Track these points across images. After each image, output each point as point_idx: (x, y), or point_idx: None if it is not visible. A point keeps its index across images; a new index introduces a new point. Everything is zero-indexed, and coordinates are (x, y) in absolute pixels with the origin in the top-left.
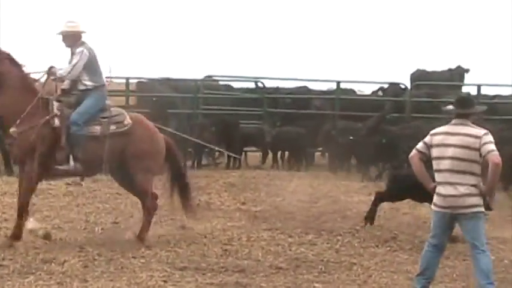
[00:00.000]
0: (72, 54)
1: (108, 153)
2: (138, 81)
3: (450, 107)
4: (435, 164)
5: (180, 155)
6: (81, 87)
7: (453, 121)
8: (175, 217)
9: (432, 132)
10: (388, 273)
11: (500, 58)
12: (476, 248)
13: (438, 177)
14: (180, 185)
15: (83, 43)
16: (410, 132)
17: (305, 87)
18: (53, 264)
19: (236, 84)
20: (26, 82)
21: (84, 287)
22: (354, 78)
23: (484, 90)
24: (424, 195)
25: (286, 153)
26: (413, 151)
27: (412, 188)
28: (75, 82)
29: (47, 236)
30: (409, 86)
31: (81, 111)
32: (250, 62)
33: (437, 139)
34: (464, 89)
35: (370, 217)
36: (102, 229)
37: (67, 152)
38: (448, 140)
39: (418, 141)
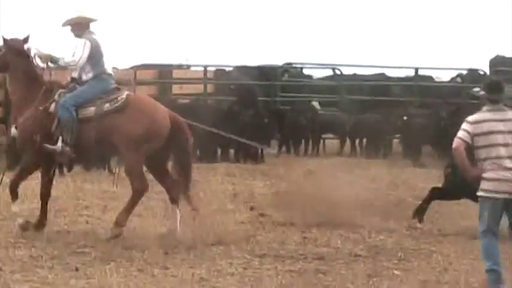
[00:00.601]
0: (75, 44)
1: (99, 134)
2: (216, 69)
3: (481, 92)
4: (484, 153)
5: (191, 139)
6: (84, 78)
7: (488, 107)
8: (254, 205)
9: (472, 120)
10: (469, 260)
11: None
12: None
13: (490, 164)
14: (181, 170)
15: (89, 32)
16: None
17: (383, 74)
18: (133, 251)
19: (314, 72)
20: (33, 73)
21: (165, 274)
22: (432, 64)
23: None
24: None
25: (364, 140)
26: (458, 141)
27: (470, 186)
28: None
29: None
30: (488, 72)
31: (73, 95)
32: (328, 49)
33: (483, 127)
34: None
35: (419, 214)
36: (181, 217)
37: (57, 135)
38: (497, 127)
39: None
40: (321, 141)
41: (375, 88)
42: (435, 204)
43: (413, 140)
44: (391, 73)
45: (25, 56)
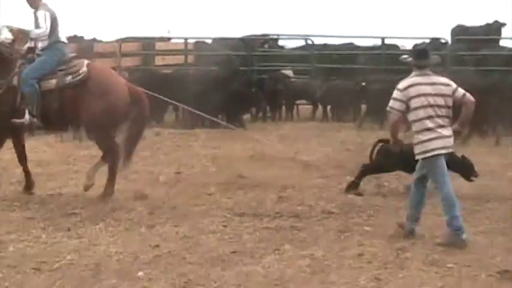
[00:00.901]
0: (36, 17)
1: (62, 105)
2: (196, 41)
3: (409, 58)
4: (414, 115)
5: (147, 109)
6: (40, 46)
7: (416, 72)
8: (232, 165)
9: (402, 87)
10: (432, 215)
11: None
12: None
13: (421, 124)
14: (131, 139)
15: (44, 4)
16: None
17: (351, 43)
18: (121, 212)
19: (288, 42)
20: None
21: (150, 232)
22: (397, 34)
23: None
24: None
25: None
26: (395, 112)
27: (402, 160)
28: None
29: None
30: (449, 41)
31: (33, 67)
32: (301, 20)
33: (413, 91)
34: (502, 43)
35: (352, 189)
36: (166, 179)
37: (22, 107)
38: (426, 90)
39: None
40: (295, 107)
41: (344, 57)
42: None
43: (374, 105)
44: (359, 42)
45: None
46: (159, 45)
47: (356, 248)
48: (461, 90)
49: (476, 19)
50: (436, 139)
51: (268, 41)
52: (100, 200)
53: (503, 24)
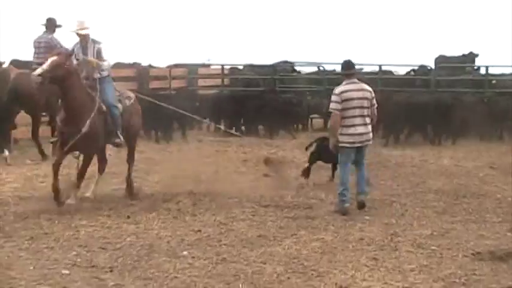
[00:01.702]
0: (99, 49)
1: (125, 125)
2: (231, 67)
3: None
4: (345, 113)
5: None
6: (97, 76)
7: (346, 81)
8: (260, 168)
9: (338, 92)
10: (419, 208)
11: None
12: (363, 164)
13: (348, 121)
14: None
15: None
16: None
17: None
18: (170, 203)
19: (303, 68)
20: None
21: (193, 220)
22: (391, 62)
23: (491, 70)
24: (330, 158)
25: None
26: (336, 112)
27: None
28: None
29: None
30: (433, 68)
31: (111, 95)
32: (314, 50)
33: (346, 95)
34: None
35: (306, 173)
36: (206, 177)
37: (114, 129)
38: (353, 94)
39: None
40: (309, 120)
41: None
42: (396, 165)
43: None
44: (361, 69)
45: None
46: (201, 70)
47: (358, 233)
48: (374, 100)
49: (455, 50)
50: (354, 135)
51: (293, 67)
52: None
53: (477, 55)
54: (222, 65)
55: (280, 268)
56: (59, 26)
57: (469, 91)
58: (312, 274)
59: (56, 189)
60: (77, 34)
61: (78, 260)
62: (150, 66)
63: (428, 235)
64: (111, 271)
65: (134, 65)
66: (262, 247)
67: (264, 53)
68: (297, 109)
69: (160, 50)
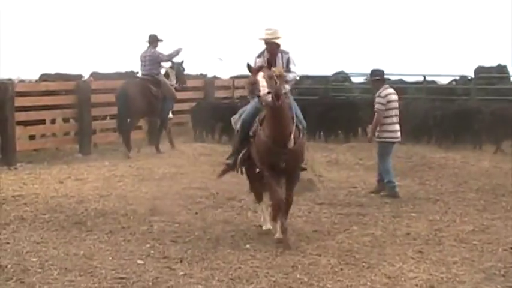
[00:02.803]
0: (274, 57)
1: None
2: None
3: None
4: (388, 113)
5: None
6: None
7: (385, 85)
8: (314, 168)
9: (383, 95)
10: (462, 206)
11: None
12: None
13: (394, 119)
14: None
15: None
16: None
17: (401, 79)
18: (234, 201)
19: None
20: None
21: (255, 216)
22: (435, 72)
23: None
24: None
25: None
26: (378, 113)
27: None
28: None
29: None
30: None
31: (299, 111)
32: (363, 61)
33: (389, 98)
34: None
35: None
36: None
37: None
38: (393, 97)
39: None
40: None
41: (396, 89)
42: (439, 167)
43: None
44: (407, 79)
45: None
46: None
47: (405, 229)
48: None
49: (491, 61)
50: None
51: (347, 79)
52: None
53: (504, 66)
54: None
55: (334, 260)
56: (161, 40)
57: (506, 99)
58: (363, 266)
59: (283, 229)
60: (266, 43)
61: (152, 251)
62: (215, 77)
63: (470, 231)
64: (181, 262)
65: (200, 76)
66: (317, 241)
67: (321, 64)
68: (353, 115)
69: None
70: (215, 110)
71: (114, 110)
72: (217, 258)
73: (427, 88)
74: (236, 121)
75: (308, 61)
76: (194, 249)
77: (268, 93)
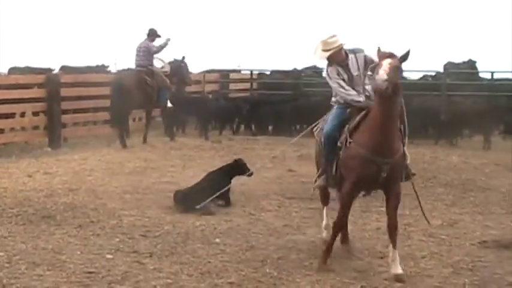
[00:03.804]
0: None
1: None
2: (259, 72)
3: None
4: None
5: None
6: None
7: None
8: (284, 163)
9: None
10: (430, 201)
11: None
12: None
13: None
14: None
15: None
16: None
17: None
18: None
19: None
20: None
21: (225, 211)
22: (406, 68)
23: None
24: None
25: None
26: None
27: None
28: None
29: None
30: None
31: None
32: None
33: None
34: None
35: None
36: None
37: None
38: None
39: None
40: None
41: None
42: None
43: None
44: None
45: None
46: (232, 75)
47: (374, 224)
48: None
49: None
50: None
51: (317, 72)
52: None
53: (475, 62)
54: (251, 71)
55: (303, 255)
56: (159, 36)
57: (476, 94)
58: (333, 260)
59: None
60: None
61: (121, 246)
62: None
63: (438, 225)
64: (150, 256)
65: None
66: (287, 235)
67: (287, 60)
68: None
69: (195, 56)
70: (187, 104)
71: (84, 104)
72: (186, 252)
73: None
74: (318, 133)
75: (279, 55)
76: (164, 243)
77: (385, 81)
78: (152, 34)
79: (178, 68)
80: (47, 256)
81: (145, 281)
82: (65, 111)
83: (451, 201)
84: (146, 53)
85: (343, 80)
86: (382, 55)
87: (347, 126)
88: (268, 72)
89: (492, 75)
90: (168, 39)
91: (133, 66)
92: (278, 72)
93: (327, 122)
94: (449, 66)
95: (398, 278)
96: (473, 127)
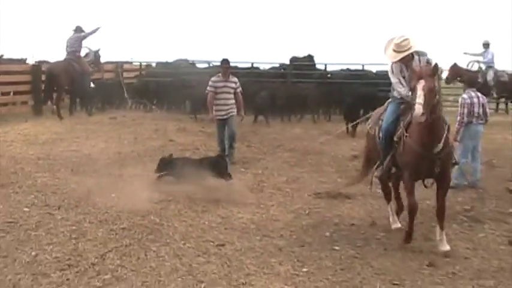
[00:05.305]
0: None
1: None
2: (147, 64)
3: None
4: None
5: None
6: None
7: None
8: (166, 135)
9: (213, 81)
10: (279, 162)
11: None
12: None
13: (221, 101)
14: None
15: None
16: None
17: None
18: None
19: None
20: None
21: (119, 174)
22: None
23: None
24: None
25: None
26: (211, 93)
27: None
28: None
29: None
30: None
31: None
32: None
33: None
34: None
35: None
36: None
37: None
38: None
39: None
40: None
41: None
42: (263, 134)
43: None
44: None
45: None
46: (125, 66)
47: (236, 181)
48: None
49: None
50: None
51: (193, 64)
52: None
53: (313, 56)
54: (141, 63)
55: (180, 206)
56: (83, 31)
57: (314, 81)
58: (203, 209)
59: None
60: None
61: (36, 201)
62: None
63: (284, 181)
64: (59, 209)
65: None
66: (167, 191)
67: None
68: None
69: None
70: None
71: (6, 89)
72: (88, 205)
73: (253, 73)
74: (372, 126)
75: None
76: (70, 198)
77: (423, 114)
78: (78, 30)
79: (95, 57)
80: None
81: (55, 228)
82: None
83: (294, 162)
84: (76, 41)
85: (404, 77)
86: (418, 74)
87: (402, 121)
88: (154, 64)
89: (325, 67)
90: (98, 27)
91: (49, 59)
92: (161, 64)
93: (382, 119)
94: (293, 59)
95: (446, 254)
96: (309, 107)
